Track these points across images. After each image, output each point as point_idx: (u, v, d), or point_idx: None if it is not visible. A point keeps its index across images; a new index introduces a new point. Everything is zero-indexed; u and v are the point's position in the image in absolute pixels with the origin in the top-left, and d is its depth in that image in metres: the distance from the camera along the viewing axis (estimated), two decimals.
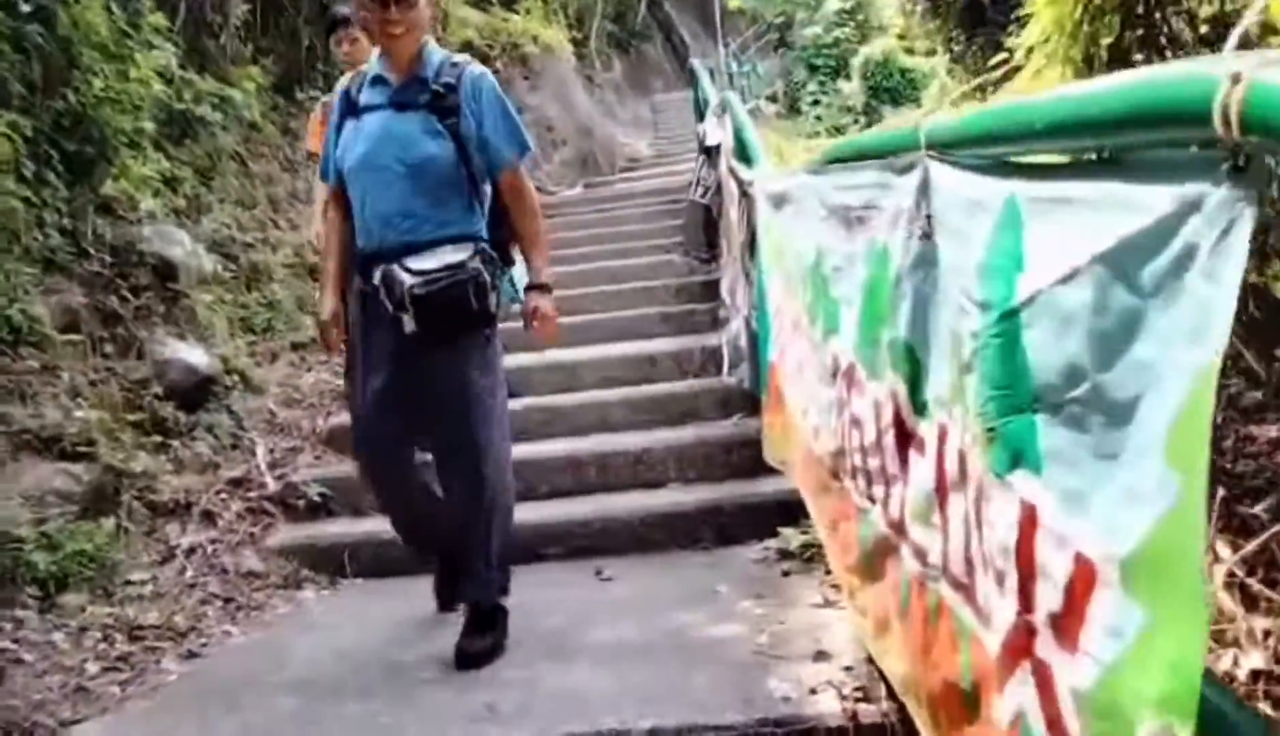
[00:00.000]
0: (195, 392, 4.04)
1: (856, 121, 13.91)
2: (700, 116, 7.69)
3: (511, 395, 2.83)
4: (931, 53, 14.65)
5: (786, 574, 2.92)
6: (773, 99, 15.62)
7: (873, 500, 1.88)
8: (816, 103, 14.84)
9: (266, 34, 6.79)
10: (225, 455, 3.93)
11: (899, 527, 1.71)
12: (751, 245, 3.61)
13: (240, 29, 6.19)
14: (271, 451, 4.03)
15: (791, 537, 3.07)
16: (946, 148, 1.38)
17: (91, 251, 3.82)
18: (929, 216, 1.46)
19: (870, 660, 2.10)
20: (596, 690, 2.21)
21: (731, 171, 4.06)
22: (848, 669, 2.17)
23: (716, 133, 5.16)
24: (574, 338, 5.10)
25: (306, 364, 4.86)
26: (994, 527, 1.18)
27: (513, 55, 11.21)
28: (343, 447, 4.06)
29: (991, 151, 1.21)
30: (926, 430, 1.56)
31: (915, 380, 1.60)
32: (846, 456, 2.02)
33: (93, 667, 2.64)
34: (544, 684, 2.29)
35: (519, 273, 2.66)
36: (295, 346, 4.96)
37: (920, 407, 1.59)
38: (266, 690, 2.42)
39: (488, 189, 2.51)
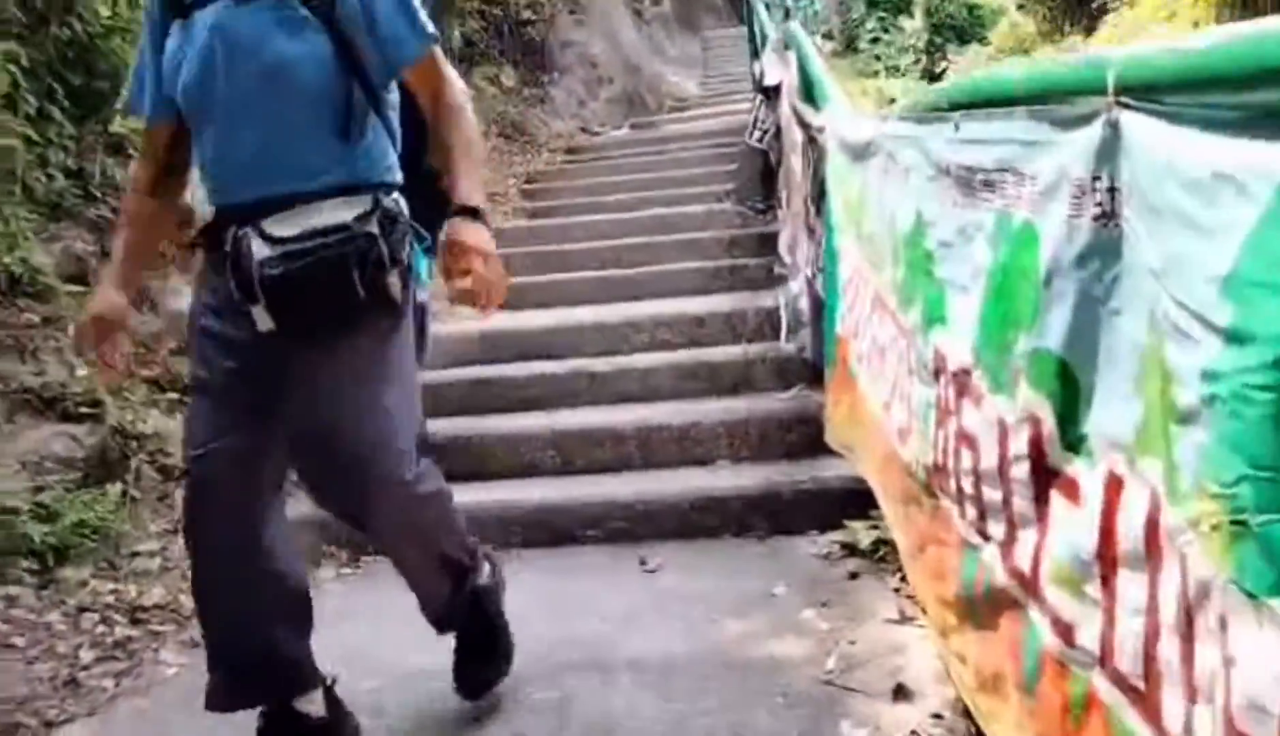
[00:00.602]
0: None
1: (918, 61, 13.07)
2: (756, 54, 7.12)
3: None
4: None
5: (854, 576, 2.56)
6: (828, 36, 14.77)
7: (986, 537, 1.51)
8: (876, 40, 13.97)
9: None
10: None
11: (1027, 584, 1.34)
12: (818, 198, 3.18)
13: None
14: None
15: (859, 532, 2.71)
16: (1154, 93, 0.96)
17: (99, 194, 3.51)
18: (1113, 190, 1.06)
19: (965, 711, 1.75)
20: (640, 723, 1.90)
21: (796, 115, 3.60)
22: (937, 716, 1.82)
23: (776, 71, 4.66)
24: (616, 293, 4.75)
25: None
26: (1238, 666, 0.80)
27: None
28: None
29: (1259, 98, 0.79)
30: (1084, 475, 1.18)
31: (1069, 407, 1.21)
32: (949, 476, 1.64)
33: (88, 655, 2.39)
34: (579, 709, 1.98)
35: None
36: None
37: (1074, 444, 1.21)
38: None
39: (394, 109, 1.72)
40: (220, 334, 1.65)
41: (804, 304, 3.56)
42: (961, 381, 1.54)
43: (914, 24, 13.56)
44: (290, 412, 1.66)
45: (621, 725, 1.90)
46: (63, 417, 2.95)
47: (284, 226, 1.55)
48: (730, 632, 2.29)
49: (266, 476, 1.70)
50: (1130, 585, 1.07)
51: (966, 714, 1.75)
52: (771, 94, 4.69)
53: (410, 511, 1.78)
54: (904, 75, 12.75)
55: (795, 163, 3.82)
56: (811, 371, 3.43)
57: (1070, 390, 1.20)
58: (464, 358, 4.06)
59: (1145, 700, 1.05)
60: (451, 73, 1.72)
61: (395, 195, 1.66)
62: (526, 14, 10.42)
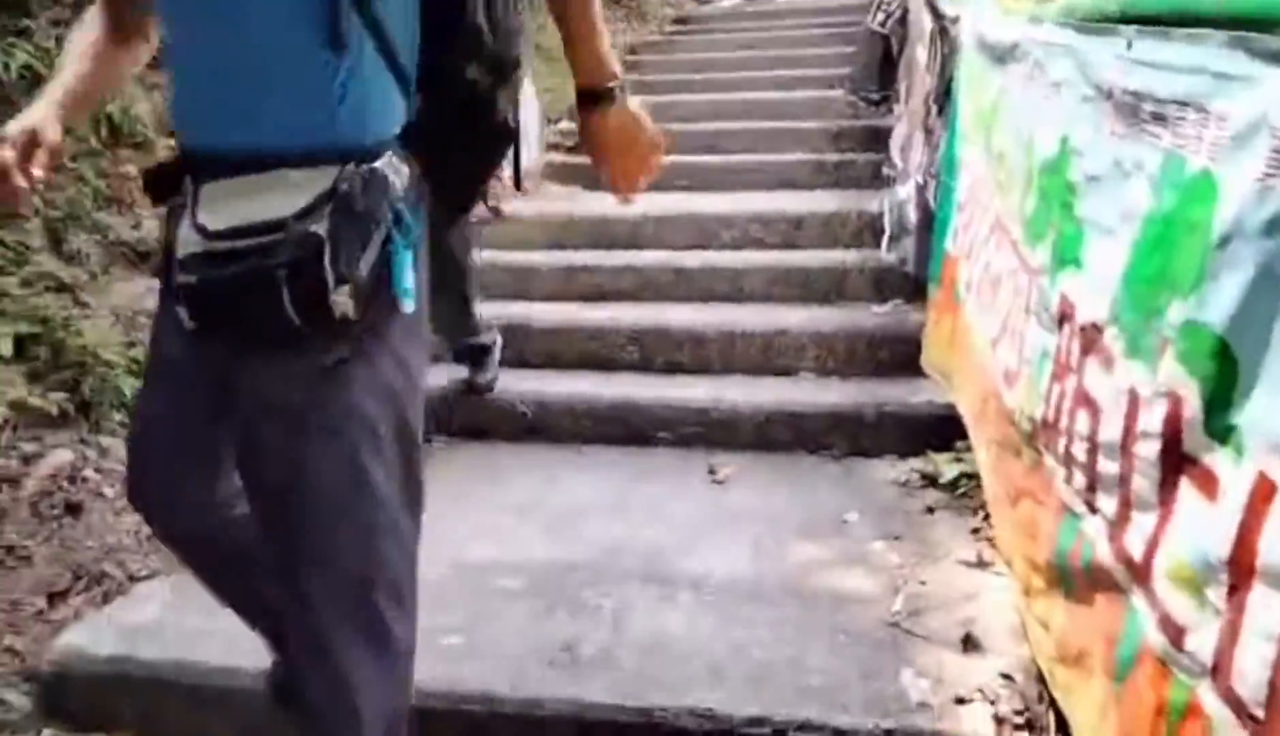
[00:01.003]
0: None
1: None
2: None
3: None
4: None
5: (931, 510, 2.45)
6: None
7: (1093, 509, 1.37)
8: None
9: None
10: None
11: (1137, 571, 1.21)
12: (942, 98, 2.91)
13: None
14: None
15: (942, 464, 2.59)
16: None
17: None
18: None
19: (1039, 676, 1.66)
20: (696, 645, 1.87)
21: (928, 2, 3.26)
22: (1006, 678, 1.74)
23: None
24: (712, 181, 4.55)
25: None
26: None
27: None
28: None
29: None
30: (1227, 470, 1.03)
31: (1221, 392, 1.05)
32: (1059, 435, 1.49)
33: None
34: (634, 622, 1.96)
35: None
36: None
37: (1220, 433, 1.05)
38: None
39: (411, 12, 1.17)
40: (164, 318, 1.27)
41: (911, 212, 3.32)
42: (1090, 337, 1.37)
43: None
44: (233, 432, 1.23)
45: (676, 644, 1.87)
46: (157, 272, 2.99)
47: (217, 212, 1.11)
48: (797, 558, 2.23)
49: (205, 478, 1.31)
50: (1266, 605, 0.94)
51: (1040, 679, 1.66)
52: None
53: (347, 675, 1.22)
54: None
55: (920, 54, 3.50)
56: (911, 285, 3.23)
57: (1227, 373, 1.04)
58: (546, 241, 3.96)
59: (1264, 729, 0.93)
60: None
61: (383, 161, 1.13)
62: None
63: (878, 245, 3.59)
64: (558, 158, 5.04)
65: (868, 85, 4.64)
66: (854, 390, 2.98)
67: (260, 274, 1.07)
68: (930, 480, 2.58)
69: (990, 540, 2.16)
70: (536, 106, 3.01)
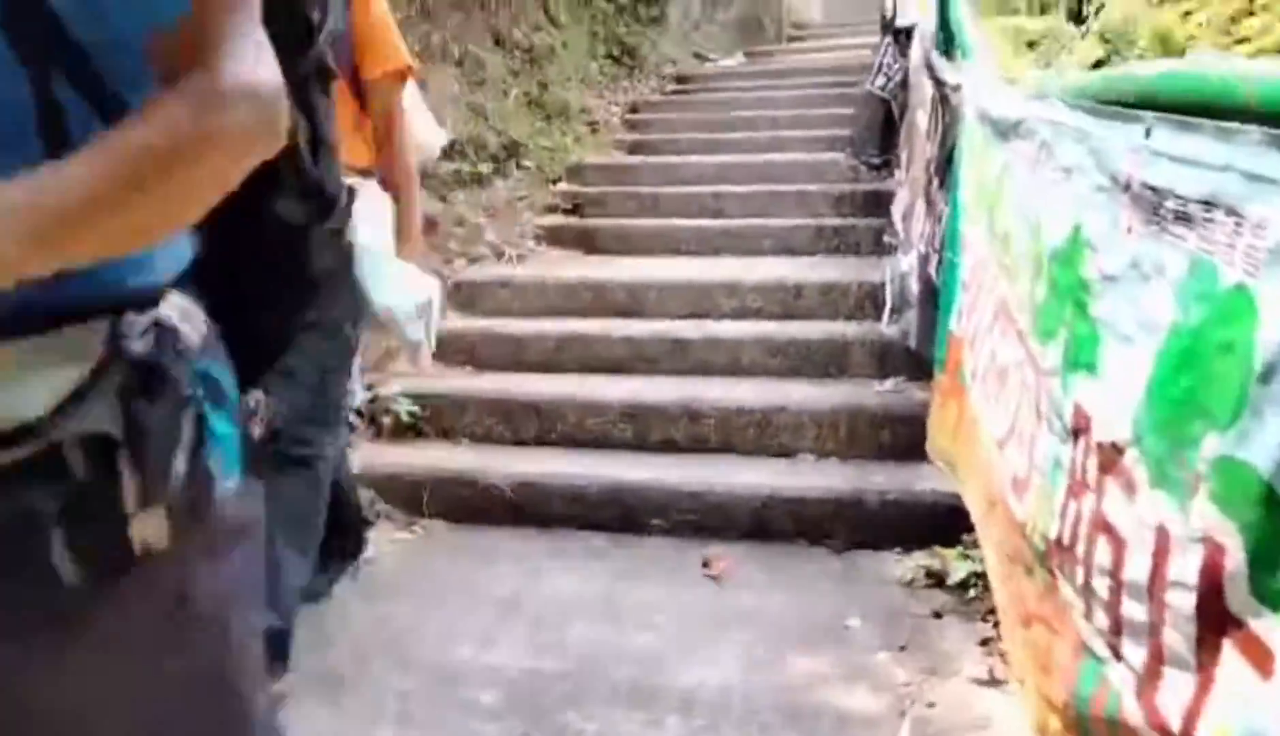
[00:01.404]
0: None
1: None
2: None
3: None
4: None
5: (938, 615, 2.28)
6: None
7: (1118, 655, 1.21)
8: None
9: None
10: None
11: None
12: (944, 169, 2.80)
13: None
14: (364, 353, 3.62)
15: (950, 561, 2.42)
16: None
17: None
18: None
19: None
20: None
21: (928, 65, 3.17)
22: None
23: (911, 12, 4.18)
24: (711, 245, 4.45)
25: None
26: None
27: None
28: (442, 355, 3.62)
29: None
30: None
31: (1270, 546, 0.90)
32: (1077, 562, 1.34)
33: None
34: None
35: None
36: None
37: (1269, 596, 0.90)
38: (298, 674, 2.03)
39: None
40: None
41: (913, 284, 3.20)
42: (1109, 456, 1.22)
43: None
44: None
45: None
46: None
47: None
48: (795, 670, 2.05)
49: None
50: None
51: None
52: (902, 37, 4.21)
53: None
54: (1050, 12, 11.67)
55: (921, 121, 3.41)
56: (913, 362, 3.09)
57: (1275, 524, 0.89)
58: (543, 308, 3.85)
59: None
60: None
61: (167, 306, 0.75)
62: None
63: (879, 317, 3.46)
64: (557, 220, 4.96)
65: (868, 149, 4.55)
66: (855, 474, 2.82)
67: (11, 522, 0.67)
68: (937, 579, 2.41)
69: (1002, 654, 1.99)
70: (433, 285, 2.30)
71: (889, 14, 4.43)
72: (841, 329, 3.43)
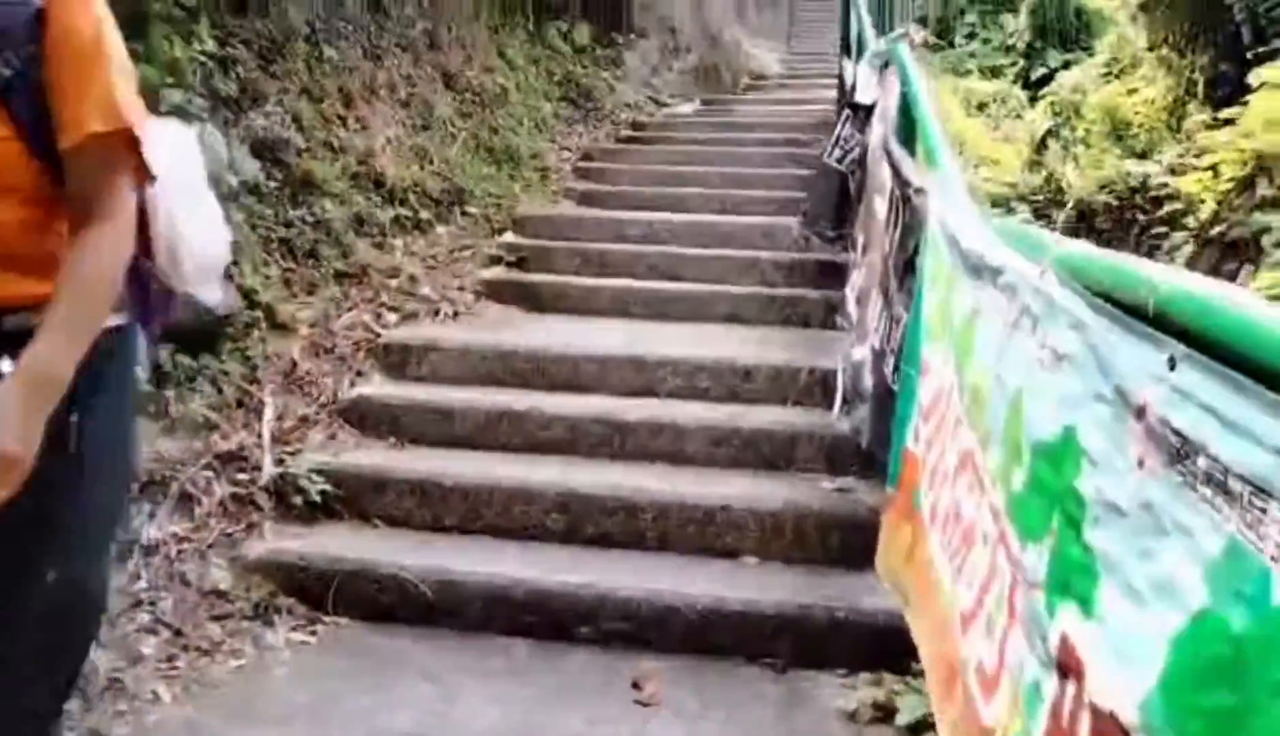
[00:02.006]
0: (203, 335, 3.35)
1: (1015, 63, 12.18)
2: (847, 49, 6.49)
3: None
4: None
5: None
6: (923, 22, 13.89)
7: None
8: (972, 36, 13.06)
9: None
10: (226, 415, 3.26)
11: None
12: (905, 271, 2.66)
13: None
14: (280, 418, 3.34)
15: (900, 699, 2.24)
16: None
17: None
18: None
19: None
20: None
21: (889, 155, 3.05)
22: None
23: (871, 90, 4.08)
24: (659, 309, 4.27)
25: (349, 300, 4.13)
26: None
27: None
28: (363, 424, 3.36)
29: None
30: None
31: None
32: None
33: None
34: None
35: None
36: (340, 276, 4.23)
37: None
38: None
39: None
40: None
41: (867, 378, 3.05)
42: (1107, 729, 1.04)
43: (1016, 22, 12.62)
44: None
45: None
46: None
47: None
48: None
49: None
50: None
51: None
52: (861, 112, 4.12)
53: None
54: (1000, 77, 11.88)
55: (879, 207, 3.28)
56: (864, 461, 2.94)
57: None
58: (474, 376, 3.61)
59: None
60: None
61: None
62: None
63: (829, 404, 3.31)
64: (500, 274, 4.74)
65: (822, 222, 4.44)
66: (801, 584, 2.64)
67: None
68: (885, 713, 2.23)
69: None
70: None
71: (849, 87, 4.34)
72: (791, 418, 3.26)
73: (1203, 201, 3.03)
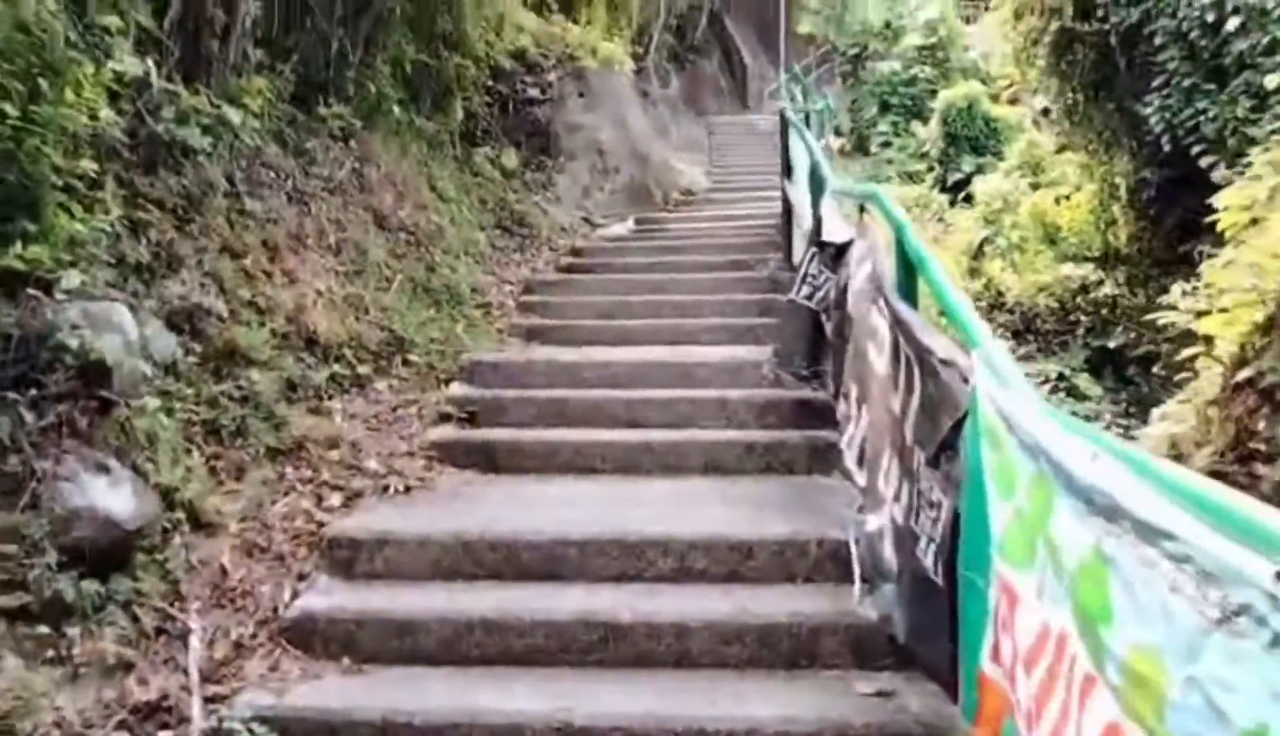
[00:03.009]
0: (113, 552, 2.83)
1: (931, 168, 12.58)
2: (787, 171, 6.44)
3: None
4: (1015, 102, 13.30)
5: None
6: (837, 132, 14.34)
7: None
8: (888, 144, 13.50)
9: (289, 33, 5.62)
10: (144, 651, 2.72)
11: None
12: (940, 446, 2.36)
13: (253, 28, 5.00)
14: (210, 645, 2.81)
15: None
16: None
17: None
18: None
19: None
20: None
21: (895, 316, 2.76)
22: None
23: (842, 229, 3.91)
24: (630, 462, 3.92)
25: (284, 482, 3.65)
26: None
27: (569, 67, 10.04)
28: (310, 645, 2.86)
29: None
30: None
31: None
32: None
33: None
34: None
35: None
36: (273, 454, 3.75)
37: None
38: None
39: None
40: None
41: (887, 554, 2.72)
42: None
43: (928, 131, 13.11)
44: None
45: None
46: None
47: None
48: None
49: None
50: None
51: None
52: (829, 250, 3.92)
53: None
54: (918, 182, 12.24)
55: (874, 358, 3.02)
56: (899, 654, 2.58)
57: None
58: (433, 571, 3.15)
59: None
60: None
61: None
62: (533, 92, 9.79)
63: (845, 579, 2.96)
64: (450, 433, 4.31)
65: (796, 361, 4.19)
66: None
67: None
68: None
69: None
70: None
71: (810, 223, 4.16)
72: (805, 604, 2.88)
73: (1209, 340, 2.87)
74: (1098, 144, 8.10)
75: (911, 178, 12.46)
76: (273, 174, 5.15)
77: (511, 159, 9.24)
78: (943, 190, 12.22)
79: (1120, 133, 7.53)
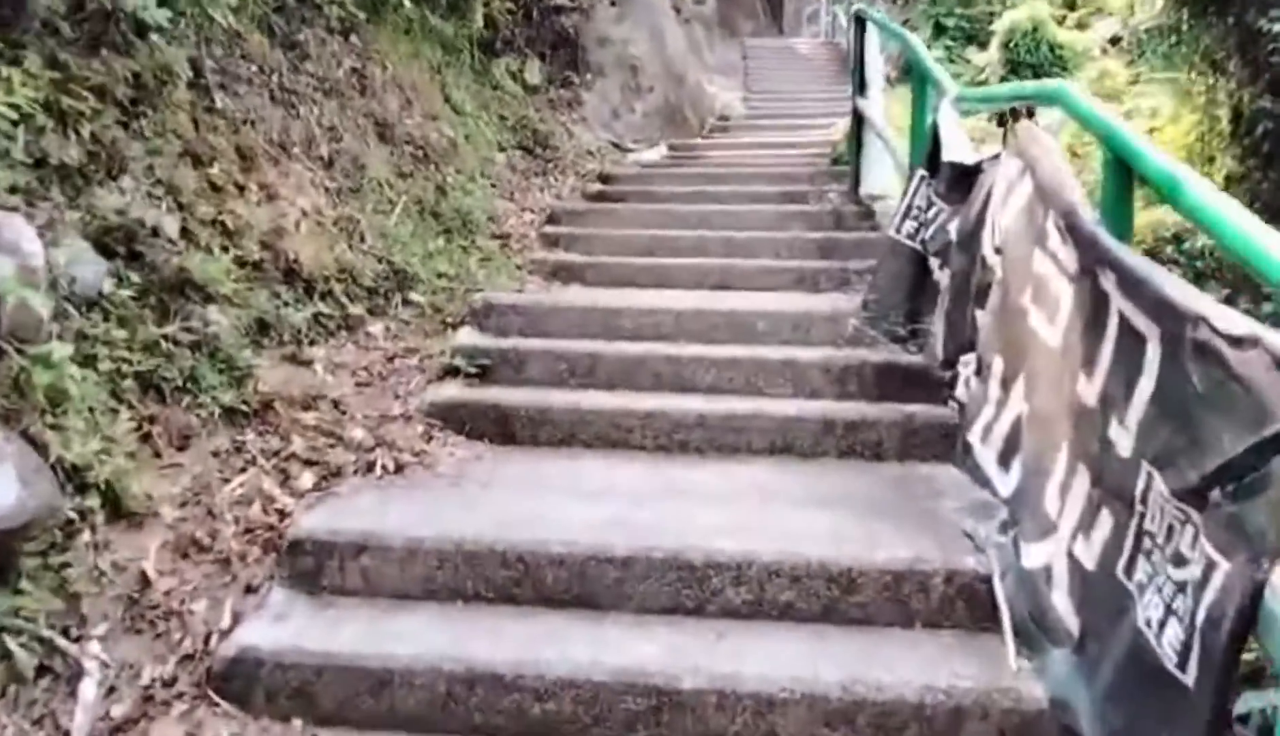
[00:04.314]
0: None
1: None
2: (862, 87, 5.41)
3: None
4: (1083, 27, 11.98)
5: None
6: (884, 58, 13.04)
7: None
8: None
9: None
10: (14, 703, 1.92)
11: None
12: (1213, 477, 1.48)
13: None
14: (110, 694, 2.01)
15: None
16: None
17: None
18: None
19: None
20: None
21: (1108, 261, 1.85)
22: None
23: (958, 147, 2.97)
24: (679, 439, 3.06)
25: (242, 455, 2.81)
26: None
27: None
28: (250, 698, 2.05)
29: None
30: None
31: None
32: None
33: None
34: None
35: None
36: (231, 416, 2.90)
37: None
38: None
39: None
40: None
41: (1059, 602, 1.87)
42: None
43: (986, 56, 11.83)
44: None
45: None
46: None
47: None
48: None
49: None
50: None
51: None
52: (947, 174, 2.98)
53: None
54: (973, 114, 11.05)
55: (1041, 325, 2.12)
56: None
57: None
58: (431, 590, 2.32)
59: None
60: None
61: None
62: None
63: (981, 625, 2.11)
64: (457, 392, 3.45)
65: (893, 315, 3.28)
66: None
67: None
68: None
69: None
70: None
71: (929, 148, 3.20)
72: (937, 672, 2.01)
73: None
74: (1204, 67, 6.92)
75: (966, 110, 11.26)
76: (254, 67, 4.21)
77: (535, 73, 8.18)
78: (999, 123, 10.99)
79: (1234, 51, 6.38)
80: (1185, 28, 6.84)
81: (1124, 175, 1.85)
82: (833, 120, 8.46)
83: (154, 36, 3.32)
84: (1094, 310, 1.87)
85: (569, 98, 8.28)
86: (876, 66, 5.12)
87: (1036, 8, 11.47)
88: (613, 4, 8.87)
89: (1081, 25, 11.66)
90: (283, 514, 2.57)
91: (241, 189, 3.64)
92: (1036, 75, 11.30)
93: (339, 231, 4.01)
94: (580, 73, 8.54)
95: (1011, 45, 11.19)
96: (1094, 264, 1.85)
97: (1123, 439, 1.72)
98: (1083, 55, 10.96)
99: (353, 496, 2.68)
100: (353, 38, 5.07)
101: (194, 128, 3.56)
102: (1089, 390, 1.87)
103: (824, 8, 17.01)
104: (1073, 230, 1.95)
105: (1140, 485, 1.64)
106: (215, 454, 2.76)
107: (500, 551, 2.31)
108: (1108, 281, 1.80)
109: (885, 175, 5.03)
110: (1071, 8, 11.76)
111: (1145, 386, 1.64)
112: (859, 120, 5.30)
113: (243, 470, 2.74)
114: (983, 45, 11.85)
